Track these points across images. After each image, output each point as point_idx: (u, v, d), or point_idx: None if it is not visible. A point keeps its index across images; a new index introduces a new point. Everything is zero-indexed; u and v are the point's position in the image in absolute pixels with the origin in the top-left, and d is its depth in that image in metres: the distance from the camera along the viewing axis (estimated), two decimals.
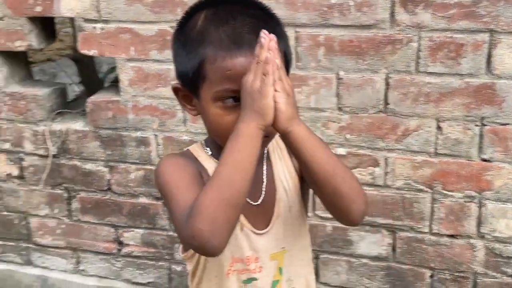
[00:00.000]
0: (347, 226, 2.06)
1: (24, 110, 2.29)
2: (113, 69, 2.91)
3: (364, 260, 2.12)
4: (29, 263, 2.54)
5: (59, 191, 2.37)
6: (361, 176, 2.00)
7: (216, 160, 1.20)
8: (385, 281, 2.11)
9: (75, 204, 2.37)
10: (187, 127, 2.12)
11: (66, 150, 2.29)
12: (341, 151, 2.00)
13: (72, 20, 3.01)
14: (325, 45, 1.90)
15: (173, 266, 2.35)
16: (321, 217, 2.09)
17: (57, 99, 2.35)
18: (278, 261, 1.27)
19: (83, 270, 2.47)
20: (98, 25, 2.08)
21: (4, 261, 2.57)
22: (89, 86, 3.16)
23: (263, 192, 1.25)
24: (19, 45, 2.20)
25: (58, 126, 2.29)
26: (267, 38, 1.04)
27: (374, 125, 1.94)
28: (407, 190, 1.99)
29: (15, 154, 2.37)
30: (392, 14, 1.82)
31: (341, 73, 1.92)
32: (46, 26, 2.25)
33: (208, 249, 1.05)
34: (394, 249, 2.07)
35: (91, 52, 2.13)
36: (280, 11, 1.88)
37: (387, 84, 1.89)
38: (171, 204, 1.14)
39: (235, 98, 1.10)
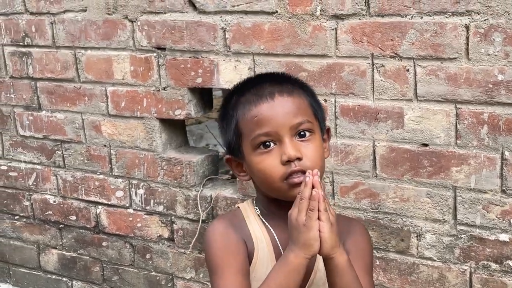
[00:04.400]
0: None
1: (178, 175, 2.38)
2: None
3: None
4: None
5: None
6: None
7: (263, 220, 1.37)
8: None
9: None
10: None
11: (214, 216, 2.33)
12: (504, 237, 1.84)
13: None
14: (489, 123, 1.79)
15: None
16: None
17: (209, 165, 2.42)
18: None
19: None
20: None
21: None
22: None
23: None
24: (178, 114, 2.32)
25: (209, 192, 2.35)
26: (310, 177, 1.18)
27: None
28: None
29: (167, 216, 2.46)
30: None
31: (507, 153, 1.78)
32: (203, 95, 2.35)
33: None
34: None
35: None
36: (440, 87, 1.82)
37: None
38: None
39: (269, 144, 1.28)
